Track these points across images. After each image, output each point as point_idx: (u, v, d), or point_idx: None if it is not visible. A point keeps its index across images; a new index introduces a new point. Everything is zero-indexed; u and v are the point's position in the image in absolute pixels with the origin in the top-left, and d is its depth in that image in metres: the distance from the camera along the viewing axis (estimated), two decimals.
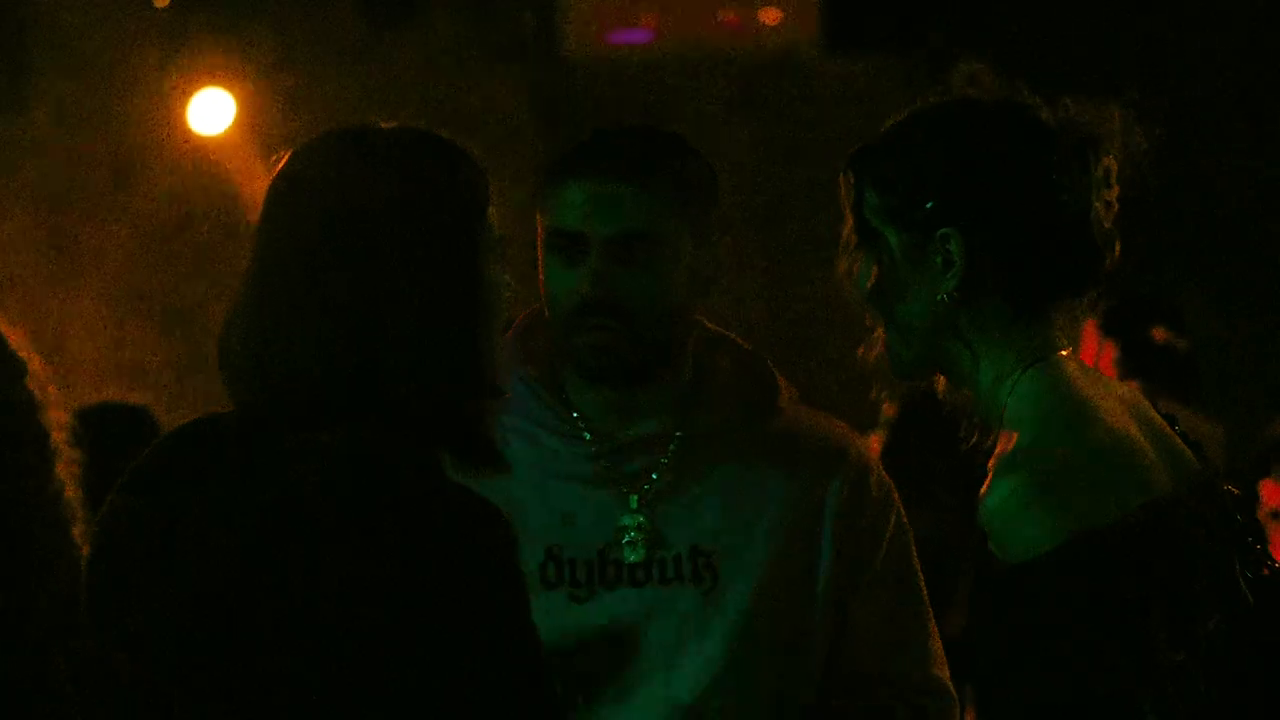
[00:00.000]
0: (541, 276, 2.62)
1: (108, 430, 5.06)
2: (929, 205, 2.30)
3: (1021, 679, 2.16)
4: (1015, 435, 2.23)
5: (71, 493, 2.59)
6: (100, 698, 2.03)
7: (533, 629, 2.01)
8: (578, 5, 8.91)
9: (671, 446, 2.62)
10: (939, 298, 2.29)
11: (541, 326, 2.64)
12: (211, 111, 8.10)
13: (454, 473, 2.08)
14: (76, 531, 2.61)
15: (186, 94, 8.10)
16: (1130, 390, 2.37)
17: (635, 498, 2.60)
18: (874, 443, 4.75)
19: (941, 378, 2.43)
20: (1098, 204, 2.31)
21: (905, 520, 2.76)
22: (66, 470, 2.67)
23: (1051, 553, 2.13)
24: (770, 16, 8.71)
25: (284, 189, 2.11)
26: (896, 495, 2.76)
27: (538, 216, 2.63)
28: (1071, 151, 2.30)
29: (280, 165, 2.13)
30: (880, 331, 2.38)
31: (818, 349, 8.44)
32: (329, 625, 1.96)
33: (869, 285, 2.35)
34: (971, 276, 2.28)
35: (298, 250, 2.07)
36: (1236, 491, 2.32)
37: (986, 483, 2.22)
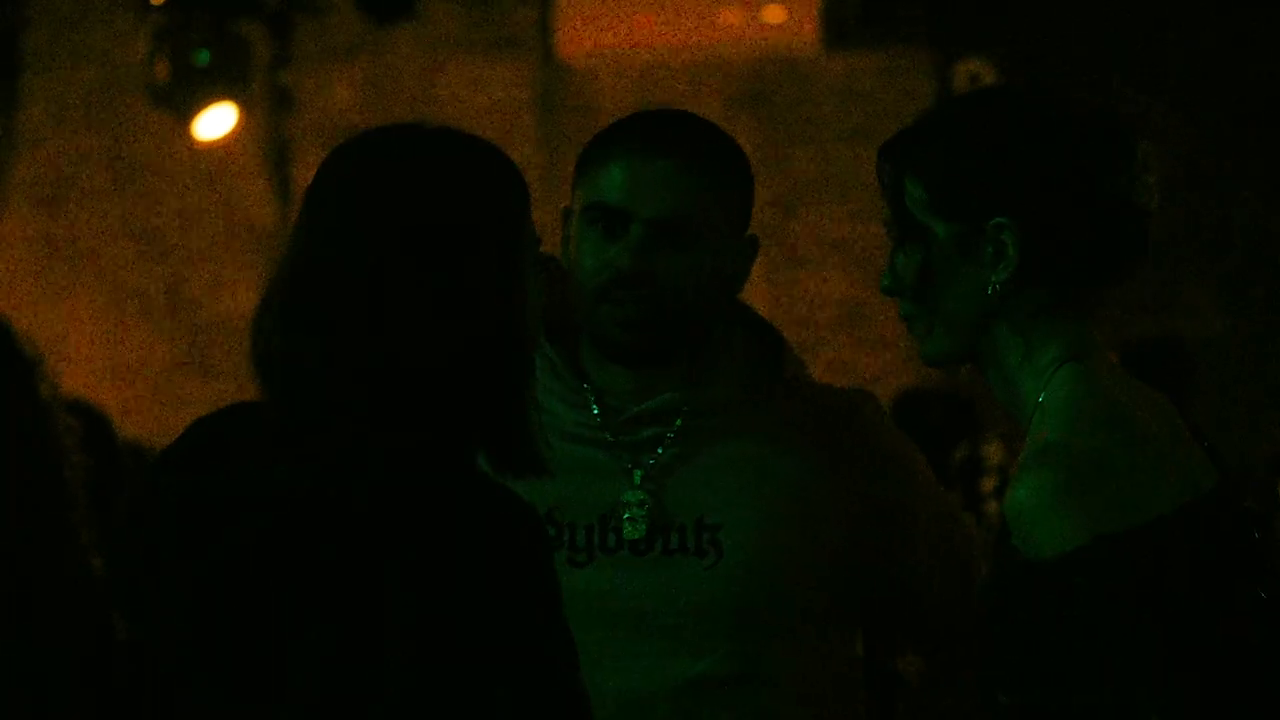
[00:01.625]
0: (573, 249, 2.60)
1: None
2: (976, 195, 2.27)
3: (1032, 675, 2.14)
4: (1046, 429, 2.20)
5: (80, 497, 2.57)
6: (123, 683, 2.04)
7: (564, 625, 2.00)
8: (577, 2, 8.90)
9: (678, 421, 2.60)
10: (990, 289, 2.26)
11: (563, 300, 2.62)
12: (213, 111, 8.08)
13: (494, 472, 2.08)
14: (84, 537, 2.59)
15: (184, 91, 8.07)
16: (1159, 395, 2.34)
17: (639, 473, 2.58)
18: None
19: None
20: (1141, 188, 2.29)
21: (930, 472, 2.71)
22: (74, 474, 2.65)
23: (1075, 552, 2.11)
24: (774, 16, 8.69)
25: (327, 186, 2.11)
26: (917, 450, 2.71)
27: (575, 189, 2.61)
28: (1113, 135, 2.28)
29: (325, 162, 2.12)
30: (927, 324, 2.33)
31: (821, 349, 8.43)
32: (356, 615, 1.96)
33: (913, 277, 2.31)
34: (1025, 265, 2.25)
35: (340, 247, 2.06)
36: (1256, 508, 2.30)
37: (1013, 475, 2.19)
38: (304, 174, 2.10)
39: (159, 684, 2.05)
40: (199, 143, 8.11)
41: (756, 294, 8.09)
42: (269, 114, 8.41)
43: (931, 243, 2.29)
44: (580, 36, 8.84)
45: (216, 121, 8.01)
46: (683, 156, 2.58)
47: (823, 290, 8.63)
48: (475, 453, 2.08)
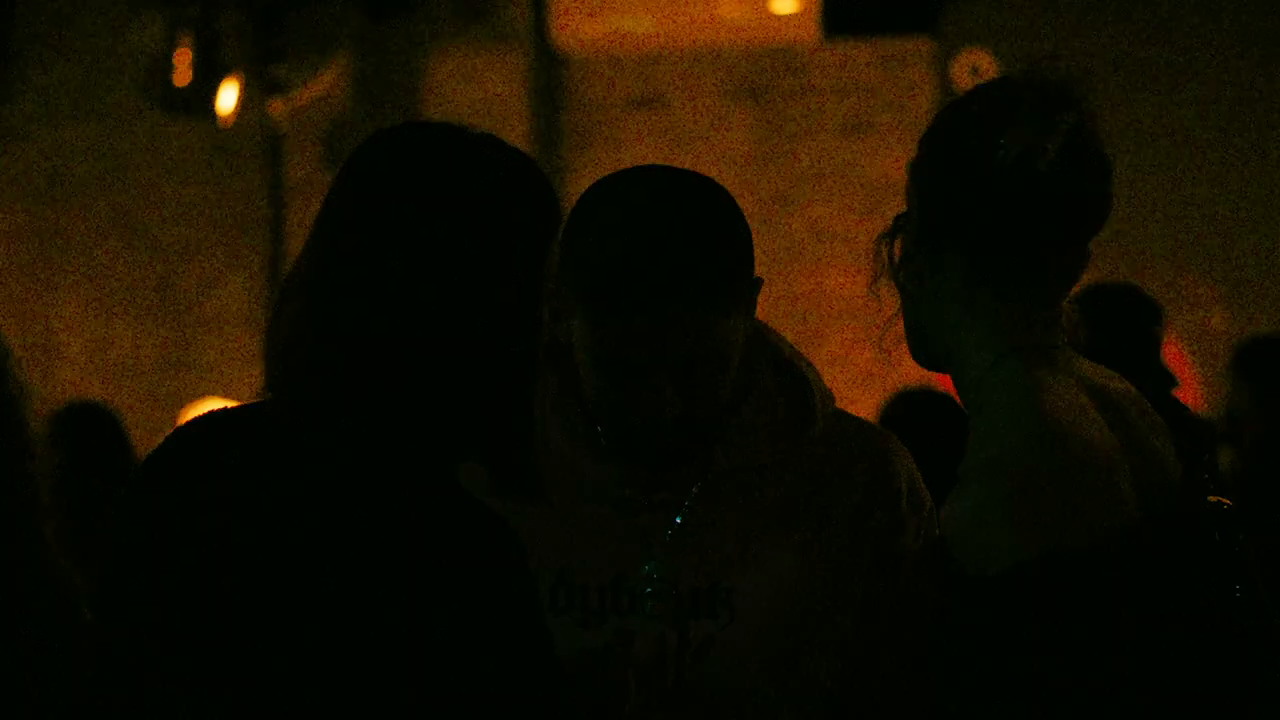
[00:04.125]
0: (586, 369, 2.44)
1: (75, 430, 5.01)
2: (908, 174, 2.33)
3: (972, 689, 2.16)
4: (985, 440, 2.20)
5: (43, 491, 2.55)
6: (102, 690, 2.03)
7: (544, 633, 2.00)
8: None
9: (697, 487, 2.52)
10: (909, 254, 2.29)
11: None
12: (224, 89, 8.12)
13: (491, 497, 2.07)
14: (48, 530, 2.56)
15: (199, 84, 8.08)
16: (1125, 389, 2.32)
17: (657, 544, 2.50)
18: None
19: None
20: (1060, 153, 2.24)
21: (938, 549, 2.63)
22: (41, 469, 2.63)
23: (1009, 571, 2.11)
24: (782, 6, 8.64)
25: (354, 181, 2.09)
26: (934, 517, 2.58)
27: (578, 316, 2.42)
28: (1031, 99, 2.25)
29: (352, 157, 2.10)
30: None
31: (821, 345, 8.41)
32: (351, 620, 1.96)
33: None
34: (925, 228, 2.27)
35: (360, 244, 2.04)
36: (1226, 503, 2.28)
37: (954, 489, 2.20)
38: (295, 168, 2.06)
39: (153, 689, 2.04)
40: (191, 136, 8.12)
41: None
42: (262, 108, 8.39)
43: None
44: (575, 28, 8.81)
45: (227, 98, 8.06)
46: (704, 294, 2.38)
47: (821, 285, 8.61)
48: (458, 464, 2.07)
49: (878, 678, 2.56)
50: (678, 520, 2.51)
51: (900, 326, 2.37)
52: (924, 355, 2.35)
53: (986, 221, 2.24)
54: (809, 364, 2.61)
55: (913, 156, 2.32)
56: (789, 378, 2.57)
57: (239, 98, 8.15)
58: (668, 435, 2.44)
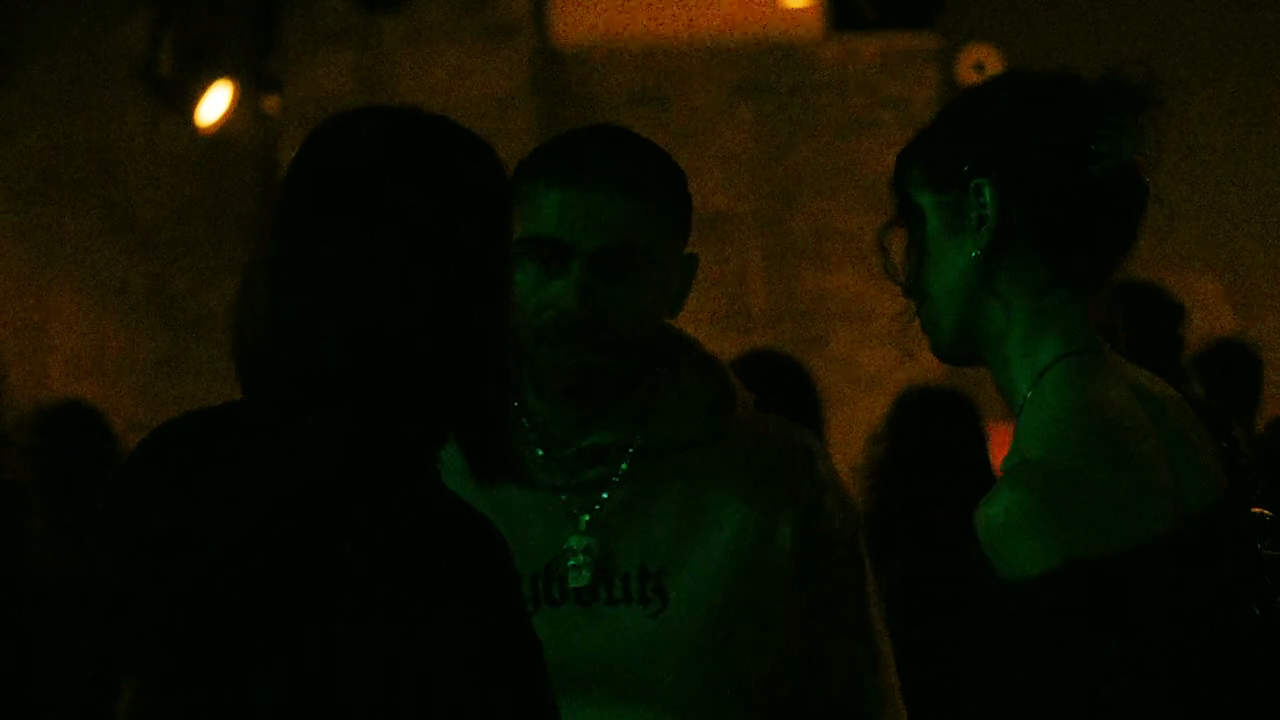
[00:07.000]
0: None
1: (57, 430, 4.99)
2: (958, 160, 2.27)
3: (997, 692, 2.15)
4: (1028, 442, 2.18)
5: (27, 480, 2.54)
6: (102, 690, 2.04)
7: (530, 633, 2.00)
8: None
9: (624, 464, 2.53)
10: (973, 254, 2.25)
11: None
12: (212, 93, 8.10)
13: (462, 480, 2.06)
14: (35, 522, 2.55)
15: (185, 81, 8.07)
16: (1172, 394, 2.30)
17: (586, 518, 2.51)
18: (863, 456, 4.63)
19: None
20: (1139, 158, 2.26)
21: (863, 547, 2.64)
22: (21, 458, 2.61)
23: (1044, 575, 2.10)
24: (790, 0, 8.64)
25: (309, 167, 2.07)
26: (858, 517, 2.65)
27: (518, 218, 2.47)
28: (1112, 100, 2.26)
29: (307, 142, 2.09)
30: (928, 315, 2.33)
31: (823, 345, 8.39)
32: (340, 624, 1.94)
33: (912, 264, 2.31)
34: (1004, 228, 2.24)
35: (318, 231, 2.02)
36: (1269, 514, 2.27)
37: (992, 489, 2.17)
38: None
39: (152, 689, 2.02)
40: (201, 128, 8.13)
41: (755, 288, 7.92)
42: (257, 104, 8.38)
43: (924, 222, 2.29)
44: (576, 23, 8.82)
45: (215, 103, 8.06)
46: (624, 183, 2.48)
47: (823, 284, 8.59)
48: (439, 453, 2.06)
49: (812, 667, 2.58)
50: (605, 495, 2.50)
51: (918, 324, 2.34)
52: (951, 350, 2.32)
53: (1079, 224, 2.25)
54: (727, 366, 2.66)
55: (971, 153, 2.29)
56: (710, 366, 2.61)
57: (230, 103, 8.14)
58: (576, 340, 2.45)
